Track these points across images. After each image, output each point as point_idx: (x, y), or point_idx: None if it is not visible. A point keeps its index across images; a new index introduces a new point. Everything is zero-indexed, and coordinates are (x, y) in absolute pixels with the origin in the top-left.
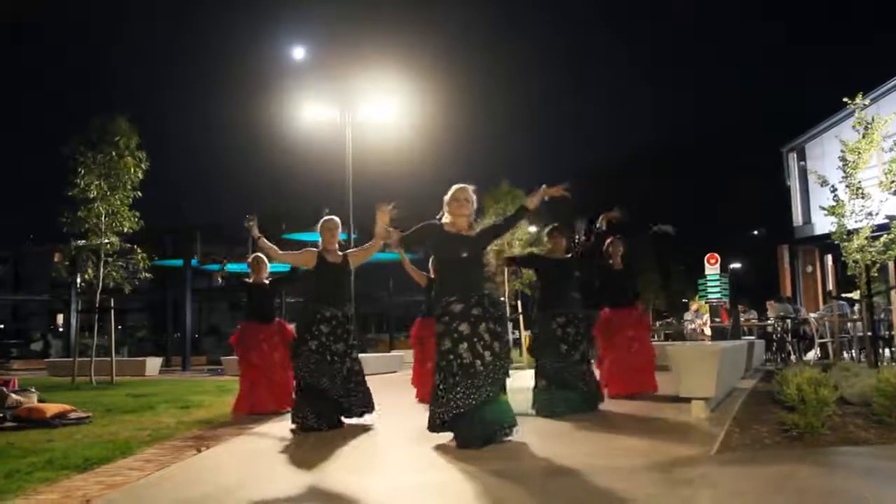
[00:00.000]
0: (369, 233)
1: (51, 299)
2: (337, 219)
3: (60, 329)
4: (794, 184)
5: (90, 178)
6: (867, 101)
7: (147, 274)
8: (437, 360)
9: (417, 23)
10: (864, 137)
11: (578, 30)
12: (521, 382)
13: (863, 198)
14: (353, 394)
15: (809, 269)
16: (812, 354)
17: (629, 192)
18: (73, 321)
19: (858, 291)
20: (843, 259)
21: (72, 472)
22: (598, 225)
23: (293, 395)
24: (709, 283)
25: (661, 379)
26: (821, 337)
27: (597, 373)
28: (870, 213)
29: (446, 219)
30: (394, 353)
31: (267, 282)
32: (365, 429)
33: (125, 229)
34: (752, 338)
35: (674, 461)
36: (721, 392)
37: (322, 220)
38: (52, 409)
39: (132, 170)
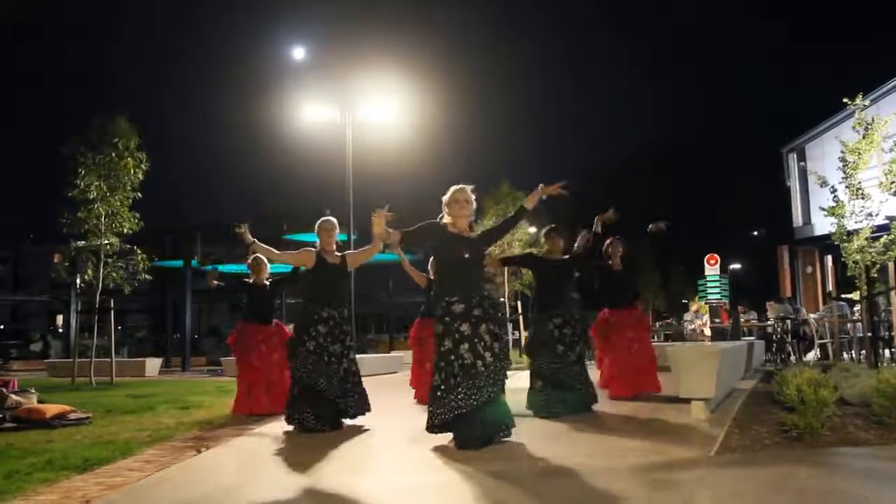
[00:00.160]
0: (369, 233)
1: (50, 300)
2: (334, 219)
3: (60, 330)
4: (794, 184)
5: (90, 179)
6: (867, 102)
7: (147, 275)
8: (436, 360)
9: (417, 23)
10: (864, 138)
11: (578, 30)
12: (519, 383)
13: (863, 198)
14: (349, 394)
15: (809, 269)
16: (812, 355)
17: (629, 192)
18: (73, 322)
19: (858, 292)
20: (843, 260)
21: (71, 472)
22: (593, 227)
23: (288, 396)
24: (709, 284)
25: (662, 379)
26: (821, 338)
27: (596, 373)
28: (870, 214)
29: (446, 220)
30: (393, 353)
31: (267, 283)
32: (364, 430)
33: (125, 230)
34: (752, 338)
35: (673, 462)
36: (721, 393)
37: (319, 221)
38: (51, 409)
39: (132, 170)
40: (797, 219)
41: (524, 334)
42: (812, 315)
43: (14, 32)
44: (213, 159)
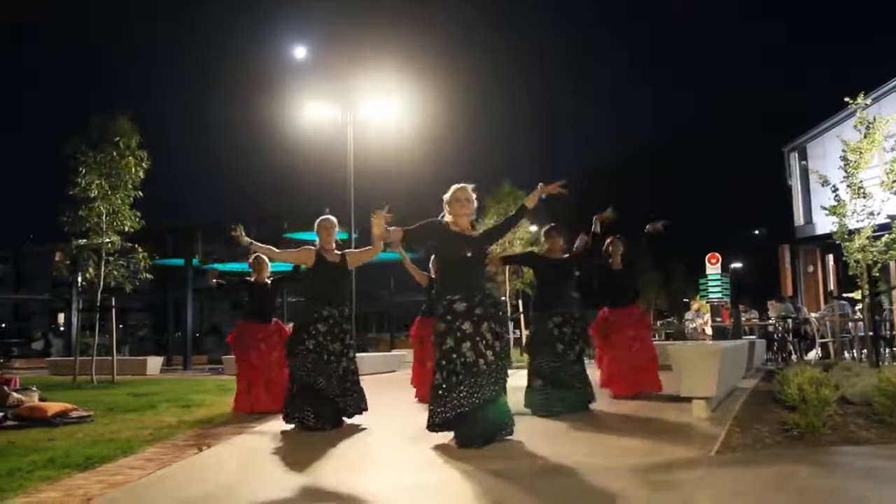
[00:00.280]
0: (369, 233)
1: (52, 298)
2: (333, 218)
3: (61, 328)
4: (796, 183)
5: (91, 178)
6: (869, 101)
7: (148, 273)
8: (437, 358)
9: (418, 22)
10: (865, 137)
11: (578, 30)
12: (520, 382)
13: (864, 197)
14: (348, 393)
15: (811, 268)
16: (813, 354)
17: (629, 192)
18: (75, 320)
19: (860, 291)
20: (844, 259)
21: (73, 470)
22: (592, 228)
23: (286, 394)
24: (710, 283)
25: (663, 378)
26: (822, 337)
27: (597, 372)
28: (871, 213)
29: (448, 218)
30: (394, 352)
31: (269, 281)
32: (364, 428)
33: (126, 228)
34: (753, 337)
35: (674, 461)
36: (722, 392)
37: (319, 220)
38: (53, 407)
39: (133, 169)
40: (798, 218)
41: (525, 333)
42: (813, 314)
43: (14, 32)
44: (215, 158)
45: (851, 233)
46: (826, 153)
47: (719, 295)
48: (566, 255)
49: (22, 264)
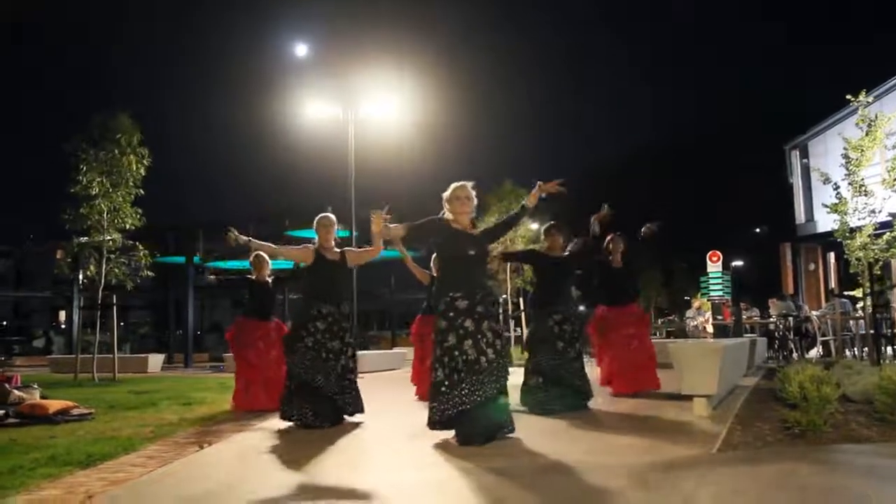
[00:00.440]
0: (370, 232)
1: (53, 296)
2: (332, 216)
3: (63, 326)
4: (797, 181)
5: (92, 175)
6: (870, 99)
7: (149, 271)
8: (438, 355)
9: (419, 21)
10: (867, 135)
11: (578, 30)
12: (519, 380)
13: (866, 195)
14: (346, 391)
15: (812, 266)
16: (814, 352)
17: (629, 191)
18: (76, 318)
19: (861, 289)
20: (845, 257)
21: (74, 468)
22: (591, 229)
23: (283, 392)
24: (711, 281)
25: (663, 376)
26: (823, 335)
27: (596, 370)
28: (872, 211)
29: (448, 216)
30: (395, 350)
31: (270, 280)
32: (364, 426)
33: (127, 226)
34: (755, 335)
35: (675, 459)
36: (723, 390)
37: (318, 218)
38: (54, 405)
39: (134, 166)
40: (800, 216)
41: (526, 331)
42: (814, 312)
43: (14, 32)
44: (216, 156)
45: (853, 231)
46: (827, 151)
47: (720, 293)
48: (566, 253)
49: (23, 262)
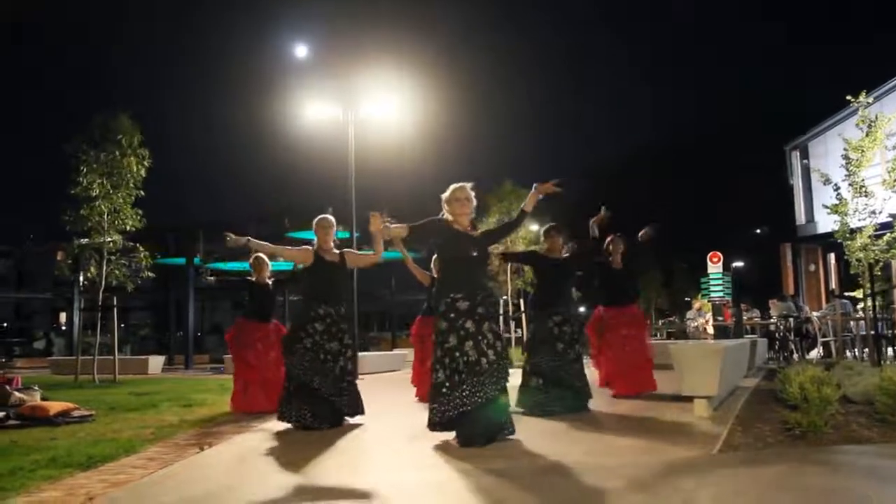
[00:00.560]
0: (370, 233)
1: (54, 297)
2: (332, 218)
3: (63, 327)
4: (797, 182)
5: (93, 177)
6: (870, 100)
7: (149, 273)
8: (438, 356)
9: (419, 21)
10: (867, 135)
11: (578, 30)
12: (518, 381)
13: (866, 196)
14: (344, 393)
15: (812, 267)
16: (815, 353)
17: (629, 191)
18: (76, 319)
19: (861, 290)
20: (846, 258)
21: (75, 470)
22: (591, 233)
23: (282, 393)
24: (711, 282)
25: (664, 377)
26: (823, 336)
27: (594, 372)
28: (873, 212)
29: (448, 218)
30: (396, 351)
31: (270, 281)
32: (365, 427)
33: (128, 227)
34: (755, 336)
35: (676, 460)
36: (724, 391)
37: (317, 219)
38: (55, 407)
39: (135, 168)
40: (800, 216)
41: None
42: (815, 313)
43: (14, 32)
44: (216, 157)
45: (853, 231)
46: (828, 151)
47: (721, 294)
48: (566, 255)
49: (23, 263)
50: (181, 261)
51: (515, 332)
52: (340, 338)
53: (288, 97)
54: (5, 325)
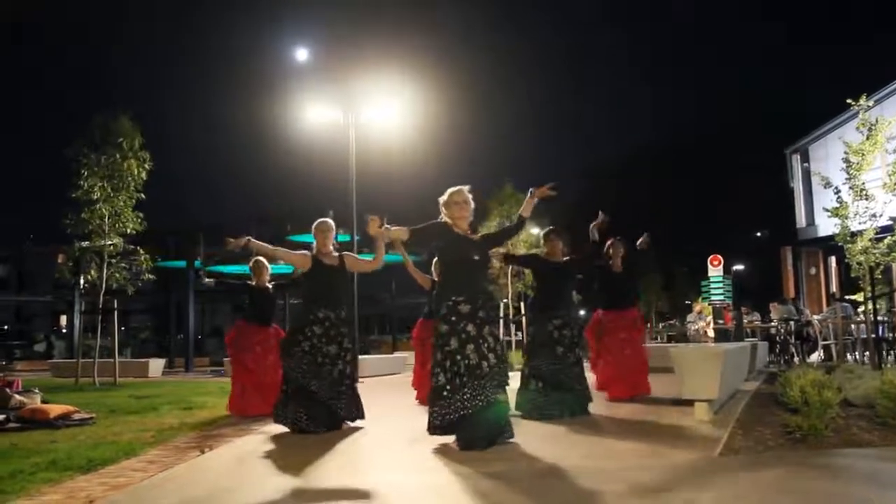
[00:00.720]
0: (370, 237)
1: (54, 300)
2: (331, 221)
3: (64, 330)
4: (798, 185)
5: (93, 180)
6: (870, 103)
7: (150, 275)
8: (439, 359)
9: (419, 24)
10: (867, 139)
11: (578, 30)
12: (517, 384)
13: (866, 199)
14: (342, 396)
15: (813, 270)
16: (815, 356)
17: (629, 192)
18: (77, 322)
19: (862, 293)
20: (846, 261)
21: (75, 472)
22: (591, 238)
23: (279, 395)
24: (712, 285)
25: (665, 380)
26: (824, 339)
27: (591, 375)
28: (873, 215)
29: (446, 221)
30: (396, 354)
31: (270, 285)
32: (365, 431)
33: (128, 230)
34: (756, 340)
35: (676, 463)
36: (724, 394)
37: (316, 223)
38: (55, 410)
39: (135, 171)
40: (801, 220)
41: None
42: (816, 316)
43: (14, 32)
44: (217, 160)
45: (854, 235)
46: (828, 155)
47: (721, 297)
48: (566, 258)
49: (23, 266)
50: (182, 264)
51: (516, 335)
52: (340, 341)
53: (289, 100)
54: (6, 327)
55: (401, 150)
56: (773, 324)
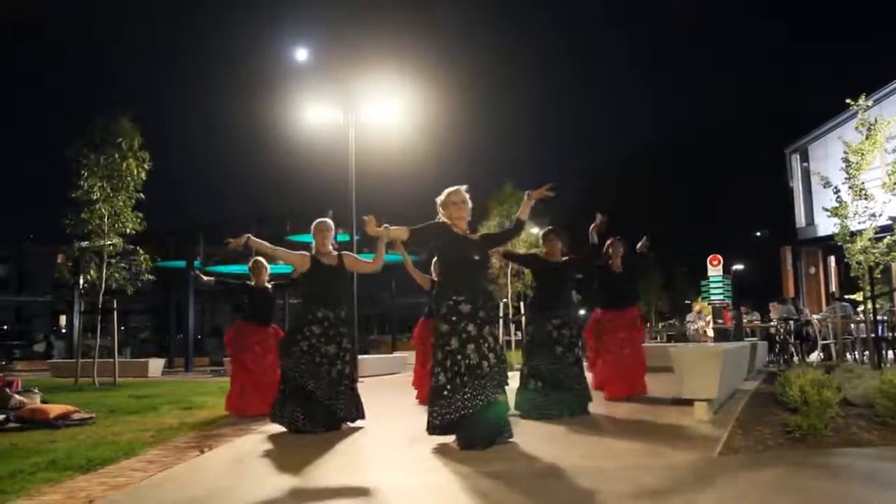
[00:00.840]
0: (370, 238)
1: (54, 300)
2: (330, 221)
3: (63, 330)
4: (797, 185)
5: (93, 180)
6: (870, 103)
7: (149, 275)
8: (439, 359)
9: (419, 24)
10: (867, 139)
11: (579, 30)
12: (516, 384)
13: (866, 199)
14: (340, 396)
15: (812, 270)
16: (815, 356)
17: (629, 192)
18: (76, 322)
19: (861, 293)
20: (846, 260)
21: (75, 472)
22: (590, 240)
23: (276, 394)
24: (711, 285)
25: (664, 380)
26: (824, 338)
27: (588, 375)
28: (873, 215)
29: (444, 221)
30: (396, 354)
31: (269, 285)
32: (365, 430)
33: (128, 230)
34: (755, 339)
35: (676, 463)
36: (724, 393)
37: (315, 223)
38: (55, 409)
39: (135, 171)
40: (800, 219)
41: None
42: (815, 316)
43: (14, 32)
44: (216, 159)
45: (853, 234)
46: (827, 154)
47: (721, 296)
48: (565, 258)
49: (23, 266)
50: (181, 263)
51: (515, 334)
52: (339, 341)
53: (289, 100)
54: (6, 327)
55: (401, 149)
56: (772, 323)
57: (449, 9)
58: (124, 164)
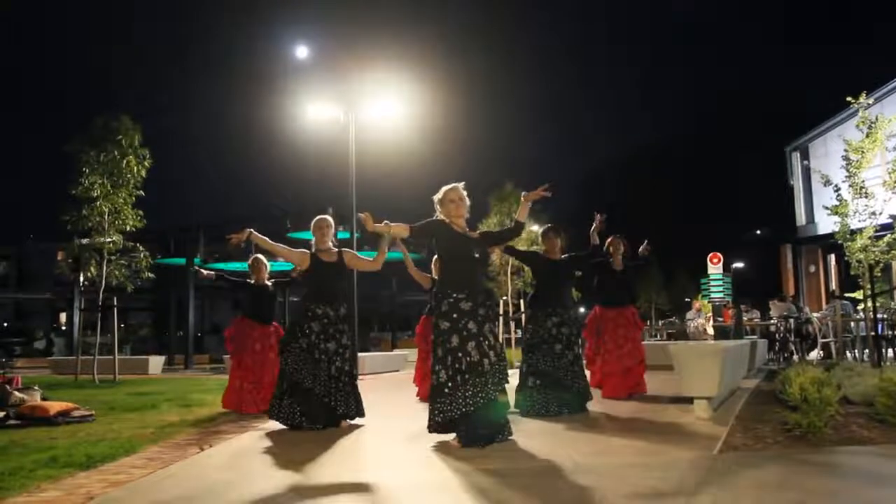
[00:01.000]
0: (372, 235)
1: (54, 298)
2: (329, 218)
3: (63, 327)
4: (798, 183)
5: (93, 177)
6: (871, 101)
7: (149, 273)
8: (440, 356)
9: (421, 23)
10: (867, 137)
11: (579, 30)
12: (515, 382)
13: (866, 197)
14: (339, 393)
15: (812, 268)
16: (815, 354)
17: (629, 192)
18: (76, 319)
19: (861, 291)
20: (846, 259)
21: (75, 469)
22: (591, 241)
23: (275, 391)
24: (711, 283)
25: (664, 378)
26: (824, 337)
27: (587, 372)
28: (873, 213)
29: (442, 219)
30: (396, 351)
31: (269, 283)
32: (365, 428)
33: (128, 228)
34: (755, 337)
35: (676, 460)
36: (724, 391)
37: (315, 220)
38: (55, 407)
39: (135, 168)
40: (800, 217)
41: None
42: (815, 314)
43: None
44: (217, 157)
45: (853, 232)
46: (828, 153)
47: (721, 295)
48: (564, 256)
49: (24, 263)
50: (181, 261)
51: (515, 332)
52: (338, 338)
53: (290, 98)
54: (6, 324)
55: (401, 148)
56: (772, 321)
57: (449, 8)
58: (124, 162)
